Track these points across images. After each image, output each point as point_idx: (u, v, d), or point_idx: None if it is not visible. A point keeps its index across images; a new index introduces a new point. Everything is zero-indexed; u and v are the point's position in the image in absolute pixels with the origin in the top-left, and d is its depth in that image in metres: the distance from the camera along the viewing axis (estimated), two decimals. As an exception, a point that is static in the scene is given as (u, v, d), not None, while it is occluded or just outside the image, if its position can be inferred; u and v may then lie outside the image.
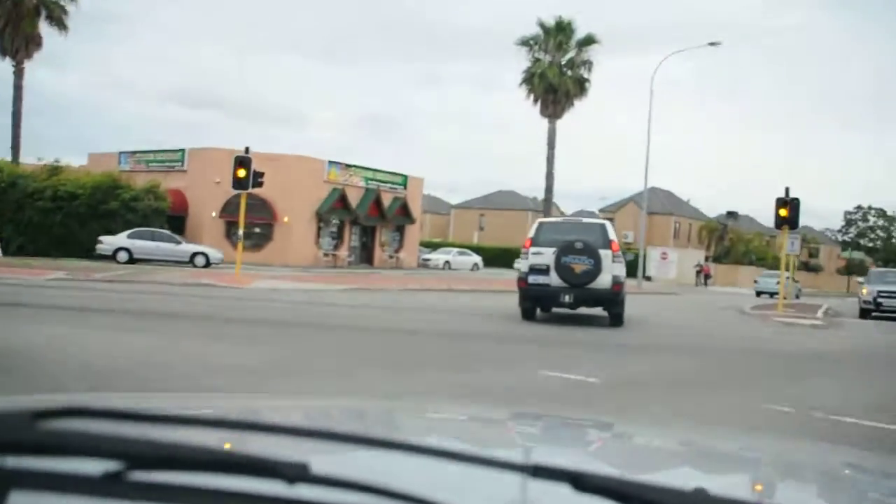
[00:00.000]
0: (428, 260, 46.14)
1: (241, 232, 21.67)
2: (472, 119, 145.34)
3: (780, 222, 19.25)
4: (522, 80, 40.48)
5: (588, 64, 40.35)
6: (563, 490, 0.64)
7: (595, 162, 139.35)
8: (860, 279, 28.81)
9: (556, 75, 39.08)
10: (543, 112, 40.17)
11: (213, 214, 34.84)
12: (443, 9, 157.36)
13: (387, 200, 41.01)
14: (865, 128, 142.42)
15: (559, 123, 40.50)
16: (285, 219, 35.70)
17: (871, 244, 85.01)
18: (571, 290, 12.08)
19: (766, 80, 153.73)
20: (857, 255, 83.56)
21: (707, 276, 48.62)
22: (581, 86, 40.02)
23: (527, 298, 12.74)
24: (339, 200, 38.16)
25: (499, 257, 59.36)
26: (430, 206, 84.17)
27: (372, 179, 40.73)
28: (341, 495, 0.62)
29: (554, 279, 12.09)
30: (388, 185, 41.71)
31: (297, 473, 0.61)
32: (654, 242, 56.01)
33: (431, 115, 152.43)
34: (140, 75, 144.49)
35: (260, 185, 20.57)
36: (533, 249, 12.37)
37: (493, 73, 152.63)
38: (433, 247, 52.36)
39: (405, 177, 42.90)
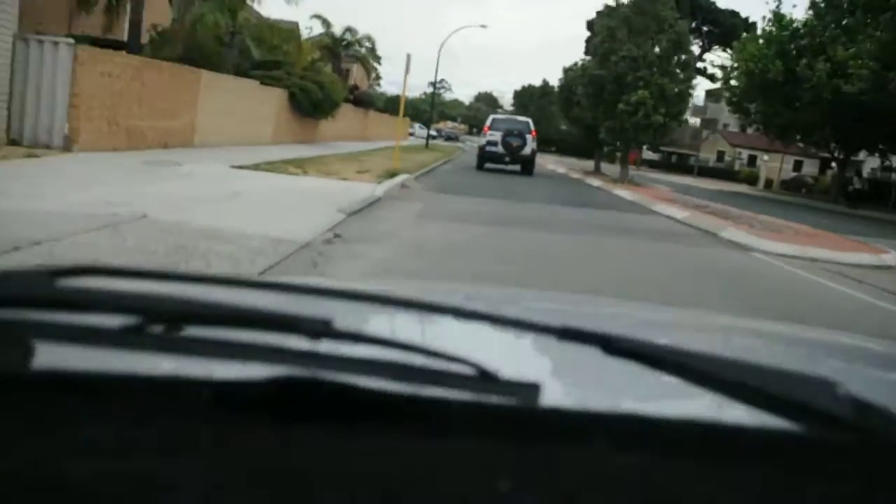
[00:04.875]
0: None
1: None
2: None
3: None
4: None
5: None
6: (593, 352, 0.60)
7: None
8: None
9: None
10: None
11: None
12: None
13: None
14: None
15: None
16: None
17: None
18: (509, 155, 23.72)
19: None
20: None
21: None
22: None
23: (483, 158, 24.13)
24: None
25: None
26: None
27: None
28: (366, 350, 0.58)
29: (500, 149, 23.66)
30: None
31: (319, 329, 0.58)
32: (27, 22, 12.19)
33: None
34: None
35: None
36: (489, 132, 24.21)
37: None
38: None
39: None
